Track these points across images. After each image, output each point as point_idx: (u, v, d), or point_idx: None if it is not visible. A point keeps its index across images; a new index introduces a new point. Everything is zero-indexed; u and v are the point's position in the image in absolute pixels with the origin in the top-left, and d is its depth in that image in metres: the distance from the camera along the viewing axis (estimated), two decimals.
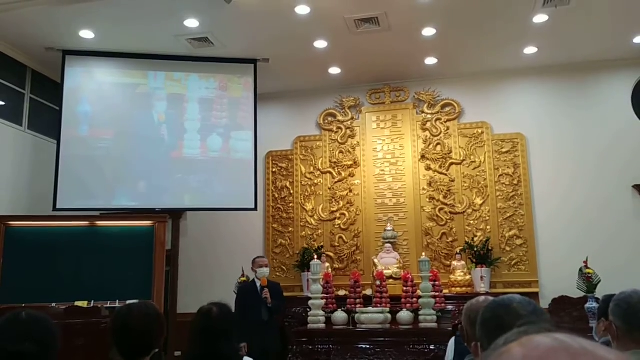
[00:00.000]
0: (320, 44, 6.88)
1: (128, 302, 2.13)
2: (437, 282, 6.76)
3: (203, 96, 7.47)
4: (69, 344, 5.16)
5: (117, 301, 6.13)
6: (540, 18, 6.32)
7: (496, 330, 1.30)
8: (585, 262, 6.46)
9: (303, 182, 8.17)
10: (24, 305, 5.61)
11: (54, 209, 6.72)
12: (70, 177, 6.85)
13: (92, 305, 6.10)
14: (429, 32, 6.61)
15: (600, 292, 6.00)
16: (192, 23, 6.36)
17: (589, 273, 6.37)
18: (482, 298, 2.06)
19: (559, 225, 7.30)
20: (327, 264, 7.60)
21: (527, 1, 5.99)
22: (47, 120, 7.40)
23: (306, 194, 8.12)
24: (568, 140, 7.51)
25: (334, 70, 7.71)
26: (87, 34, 6.61)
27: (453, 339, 3.15)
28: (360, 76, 7.87)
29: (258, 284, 5.70)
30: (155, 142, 7.25)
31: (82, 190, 6.92)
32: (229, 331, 2.54)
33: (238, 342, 5.24)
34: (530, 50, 7.13)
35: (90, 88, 7.21)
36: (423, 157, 7.79)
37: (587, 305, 6.26)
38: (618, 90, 7.50)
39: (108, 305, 6.11)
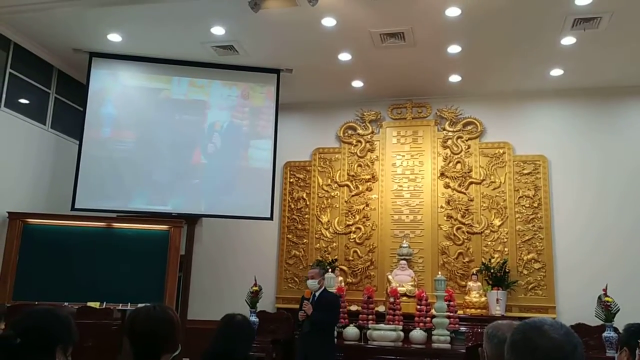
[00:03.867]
0: (345, 56, 6.88)
1: (140, 305, 2.10)
2: (452, 302, 6.66)
3: (225, 103, 7.49)
4: (79, 343, 5.15)
5: (129, 304, 6.13)
6: (568, 40, 6.26)
7: (526, 353, 1.25)
8: (605, 289, 6.33)
9: (320, 194, 8.13)
10: (36, 302, 5.65)
11: (72, 208, 6.76)
12: (90, 178, 6.89)
13: (104, 306, 6.11)
14: (454, 49, 6.57)
15: (618, 321, 5.86)
16: (218, 30, 6.39)
17: (608, 301, 6.23)
18: (505, 321, 2.00)
19: (579, 251, 7.16)
20: (341, 278, 7.54)
21: (556, 23, 5.93)
22: (70, 120, 7.47)
23: (322, 206, 8.08)
24: (591, 164, 7.39)
25: (357, 84, 7.69)
26: (114, 37, 6.68)
27: None
28: (383, 90, 7.85)
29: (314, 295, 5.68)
30: (175, 147, 7.27)
31: (101, 191, 6.96)
32: (246, 339, 2.78)
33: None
34: (557, 72, 7.06)
35: (114, 90, 7.27)
36: (442, 174, 7.72)
37: (605, 334, 6.11)
38: None
39: (120, 308, 6.11)
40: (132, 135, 7.23)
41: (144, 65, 7.28)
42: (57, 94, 7.37)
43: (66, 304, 5.99)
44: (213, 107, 7.47)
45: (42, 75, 7.13)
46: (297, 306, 7.62)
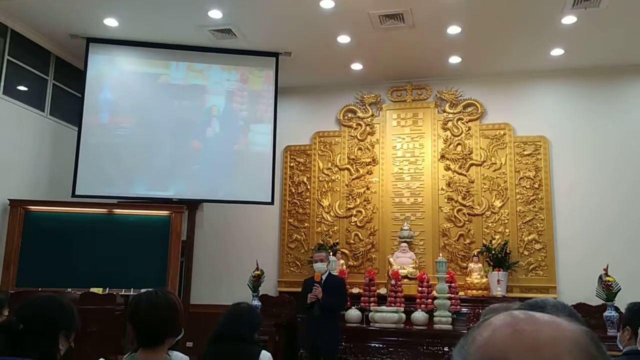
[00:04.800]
0: (343, 39, 6.83)
1: (142, 290, 2.12)
2: (453, 284, 6.68)
3: (224, 88, 7.46)
4: (82, 329, 5.19)
5: (132, 289, 6.16)
6: (569, 19, 6.20)
7: None
8: (606, 269, 6.35)
9: (320, 178, 8.13)
10: (40, 289, 5.67)
11: (73, 195, 6.76)
12: (89, 164, 6.88)
13: (107, 292, 6.13)
14: (454, 30, 6.52)
15: (619, 301, 5.89)
16: (215, 14, 6.33)
17: (609, 281, 6.26)
18: (500, 304, 2.00)
19: (580, 231, 7.17)
20: (342, 261, 7.56)
21: (556, 2, 5.88)
22: (69, 107, 7.45)
23: (323, 189, 8.08)
24: (592, 145, 7.37)
25: (356, 66, 7.65)
26: (111, 22, 6.63)
27: None
28: (382, 73, 7.80)
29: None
30: (174, 132, 7.26)
31: (101, 178, 6.96)
32: (252, 324, 2.89)
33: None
34: (557, 52, 7.01)
35: (112, 76, 7.23)
36: (443, 157, 7.71)
37: (606, 313, 6.15)
38: None
39: (123, 293, 6.14)
40: (131, 121, 7.21)
41: (141, 50, 7.23)
42: (55, 81, 7.33)
43: (69, 290, 6.02)
44: (212, 91, 7.43)
45: (40, 62, 7.08)
46: (300, 289, 7.67)
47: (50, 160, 7.19)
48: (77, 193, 6.78)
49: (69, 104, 7.47)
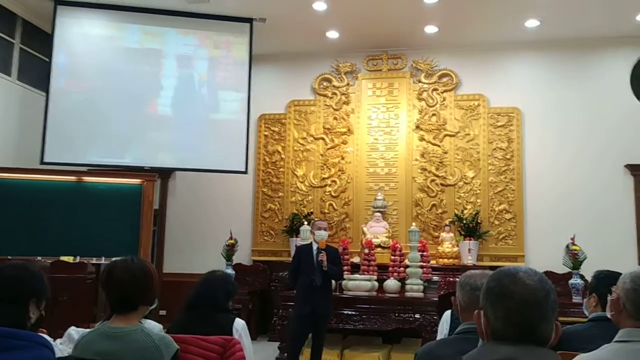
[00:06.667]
0: (319, 5, 6.72)
1: (114, 259, 2.08)
2: (425, 253, 6.76)
3: (183, 53, 7.26)
4: (53, 298, 5.14)
5: (103, 258, 6.10)
6: None
7: (501, 299, 1.27)
8: (572, 238, 6.50)
9: (295, 147, 8.09)
10: (9, 257, 5.57)
11: (41, 162, 6.61)
12: (58, 131, 6.72)
13: (77, 260, 6.06)
14: None
15: (585, 269, 6.05)
16: None
17: (575, 250, 6.41)
18: (477, 271, 2.03)
19: (549, 202, 7.32)
20: None
21: None
22: (37, 72, 7.22)
23: (298, 159, 8.05)
24: (564, 116, 7.47)
25: (332, 34, 7.56)
26: None
27: (449, 312, 3.11)
28: (358, 42, 7.73)
29: (314, 247, 5.47)
30: (131, 98, 7.04)
31: (70, 145, 6.80)
32: (227, 291, 2.91)
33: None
34: (532, 23, 7.03)
35: (79, 40, 7.01)
36: (417, 127, 7.73)
37: (571, 281, 6.31)
38: (618, 68, 7.44)
39: (94, 262, 6.08)
40: (95, 86, 7.00)
41: (108, 13, 7.02)
42: (23, 45, 7.08)
43: (39, 258, 5.93)
44: (169, 56, 7.23)
45: (6, 25, 6.82)
46: (274, 258, 7.71)
47: (17, 126, 7.00)
48: (45, 160, 6.63)
49: (37, 68, 7.24)
